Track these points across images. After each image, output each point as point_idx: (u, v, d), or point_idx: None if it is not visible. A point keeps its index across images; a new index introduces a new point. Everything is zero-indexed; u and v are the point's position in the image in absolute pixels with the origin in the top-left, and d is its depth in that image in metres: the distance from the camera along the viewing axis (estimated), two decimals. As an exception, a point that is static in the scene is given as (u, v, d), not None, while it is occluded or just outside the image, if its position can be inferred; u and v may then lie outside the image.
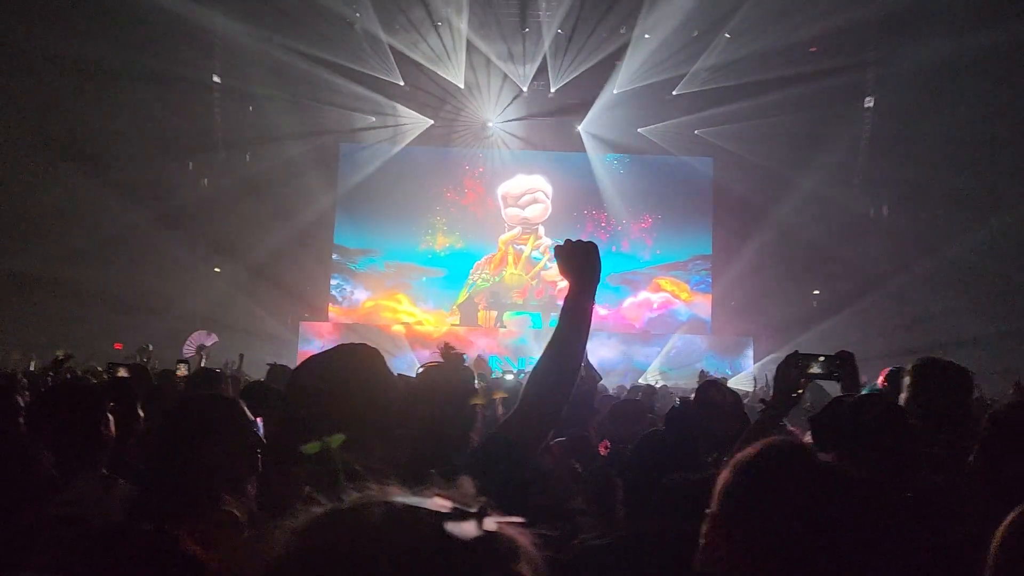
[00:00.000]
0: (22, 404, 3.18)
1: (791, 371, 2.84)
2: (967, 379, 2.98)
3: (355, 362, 1.76)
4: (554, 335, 1.85)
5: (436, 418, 1.87)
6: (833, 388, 3.04)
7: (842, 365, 2.85)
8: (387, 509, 0.69)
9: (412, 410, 1.76)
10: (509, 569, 0.68)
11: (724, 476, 1.41)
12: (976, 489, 2.11)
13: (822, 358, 2.85)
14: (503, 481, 1.63)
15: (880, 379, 3.93)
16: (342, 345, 1.86)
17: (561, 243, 1.94)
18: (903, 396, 2.94)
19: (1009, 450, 2.04)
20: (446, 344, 2.13)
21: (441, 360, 2.15)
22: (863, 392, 2.87)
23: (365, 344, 1.86)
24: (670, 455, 2.33)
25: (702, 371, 10.46)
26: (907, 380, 2.95)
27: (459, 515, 0.69)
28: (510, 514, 0.68)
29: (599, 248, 2.01)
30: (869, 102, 16.64)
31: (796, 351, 2.88)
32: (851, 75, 15.77)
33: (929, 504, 2.20)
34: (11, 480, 1.83)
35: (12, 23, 12.90)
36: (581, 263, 1.91)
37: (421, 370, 2.28)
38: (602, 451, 3.72)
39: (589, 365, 5.04)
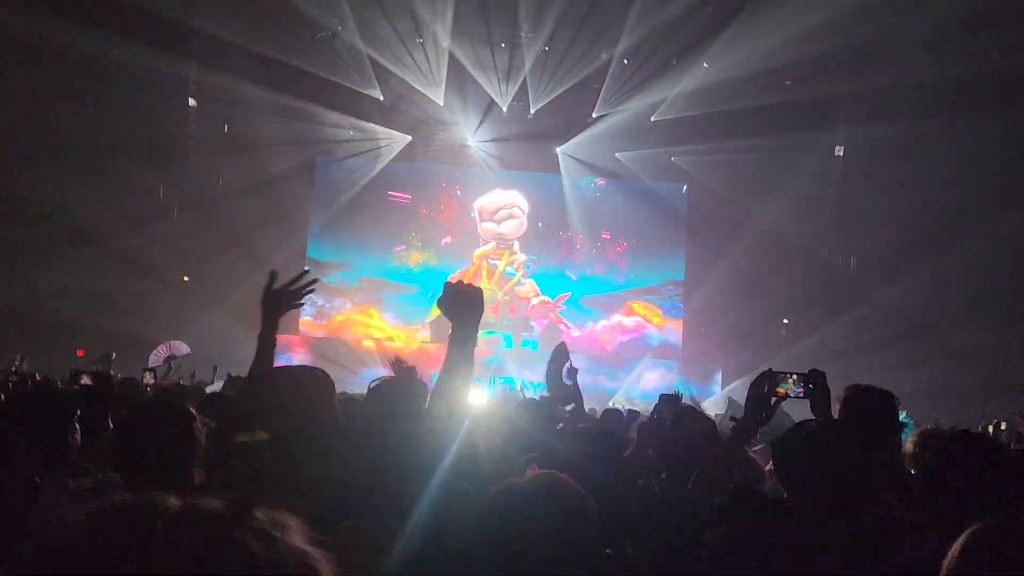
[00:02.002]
0: None
1: (763, 389, 2.83)
2: (891, 403, 2.98)
3: (304, 382, 1.97)
4: (444, 365, 2.06)
5: (378, 431, 2.03)
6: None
7: (814, 384, 2.85)
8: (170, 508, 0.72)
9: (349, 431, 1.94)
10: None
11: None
12: (921, 515, 2.16)
13: (794, 376, 2.86)
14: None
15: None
16: (300, 366, 2.15)
17: (450, 282, 2.14)
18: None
19: (953, 478, 2.12)
20: (396, 358, 2.24)
21: (392, 375, 2.22)
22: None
23: (317, 369, 2.12)
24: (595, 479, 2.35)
25: (693, 396, 10.42)
26: (837, 406, 2.96)
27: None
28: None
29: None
30: (839, 151, 17.01)
31: (770, 368, 2.88)
32: (823, 111, 16.03)
33: (879, 531, 2.22)
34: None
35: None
36: (462, 305, 2.10)
37: (374, 384, 2.31)
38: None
39: (575, 384, 5.01)
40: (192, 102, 16.70)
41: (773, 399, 2.88)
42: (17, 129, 14.47)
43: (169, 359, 10.51)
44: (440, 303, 2.11)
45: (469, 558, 1.65)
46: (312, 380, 2.01)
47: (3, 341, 12.19)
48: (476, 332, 2.09)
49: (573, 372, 4.48)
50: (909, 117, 14.29)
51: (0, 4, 12.81)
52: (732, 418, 3.26)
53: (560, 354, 4.83)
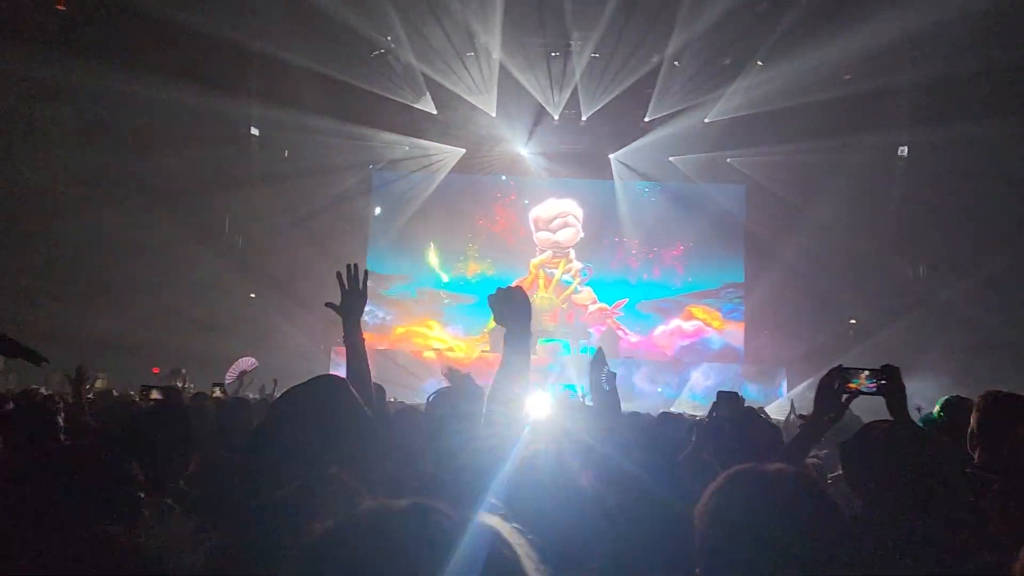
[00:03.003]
0: (61, 424, 3.26)
1: (833, 386, 2.76)
2: None
3: (320, 392, 1.96)
4: (500, 367, 2.09)
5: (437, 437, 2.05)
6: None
7: (888, 380, 2.75)
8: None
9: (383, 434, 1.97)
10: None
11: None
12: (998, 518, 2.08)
13: (866, 372, 2.77)
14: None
15: (936, 408, 3.76)
16: (316, 377, 2.11)
17: (493, 294, 2.16)
18: (970, 428, 2.79)
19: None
20: (450, 368, 2.27)
21: (448, 385, 2.26)
22: (919, 419, 2.78)
23: (333, 376, 2.14)
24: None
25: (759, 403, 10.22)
26: (974, 412, 2.79)
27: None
28: None
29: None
30: (903, 151, 16.51)
31: (840, 365, 2.80)
32: (884, 106, 15.57)
33: (956, 537, 2.14)
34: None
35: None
36: (511, 307, 2.13)
37: (432, 398, 2.40)
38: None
39: (614, 391, 4.99)
40: (255, 131, 17.23)
41: (844, 396, 2.79)
42: (104, 172, 15.18)
43: (242, 374, 10.81)
44: (492, 311, 2.13)
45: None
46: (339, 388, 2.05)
47: (92, 362, 12.69)
48: (528, 332, 2.11)
49: (611, 377, 4.47)
50: (973, 111, 13.75)
51: (76, 65, 13.43)
52: (800, 415, 3.16)
53: (598, 360, 4.84)
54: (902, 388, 2.76)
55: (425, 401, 2.35)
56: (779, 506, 1.39)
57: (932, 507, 2.17)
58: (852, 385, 2.75)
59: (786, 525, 1.37)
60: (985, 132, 13.86)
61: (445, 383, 2.21)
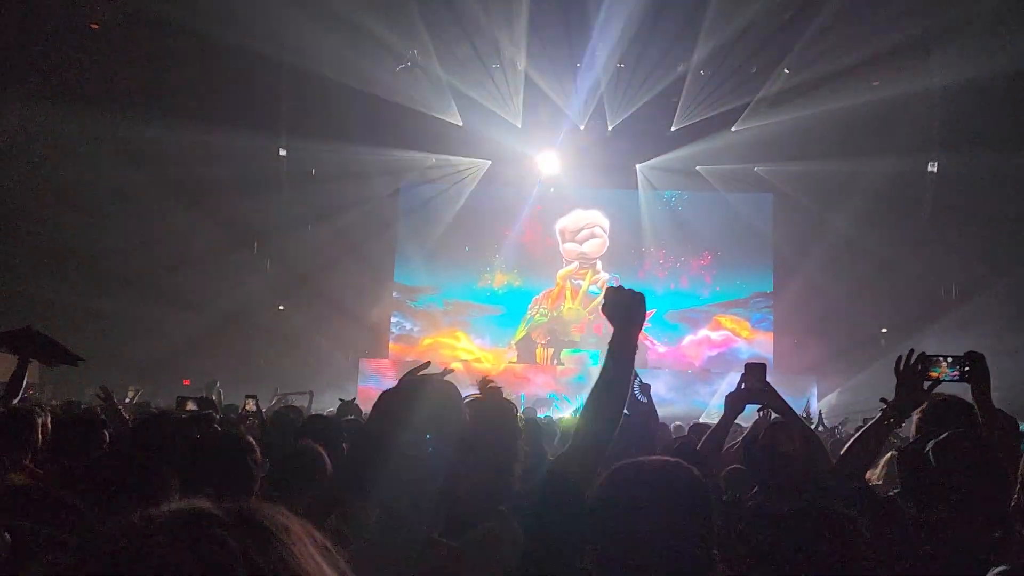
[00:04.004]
0: (107, 438, 3.35)
1: (916, 375, 2.71)
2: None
3: (432, 394, 1.90)
4: (600, 376, 1.97)
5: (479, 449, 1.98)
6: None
7: (972, 366, 2.69)
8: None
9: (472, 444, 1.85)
10: None
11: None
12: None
13: (949, 359, 2.72)
14: (563, 514, 1.78)
15: None
16: (424, 378, 2.01)
17: (613, 286, 2.05)
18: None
19: None
20: (483, 378, 2.20)
21: (480, 396, 2.21)
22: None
23: (443, 380, 2.02)
24: None
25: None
26: (917, 414, 2.84)
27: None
28: (570, 543, 0.71)
29: (647, 294, 2.13)
30: (933, 166, 16.33)
31: (923, 352, 2.73)
32: (913, 112, 15.36)
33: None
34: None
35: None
36: (626, 310, 2.01)
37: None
38: None
39: (651, 401, 4.96)
40: (283, 152, 17.50)
41: (927, 383, 2.73)
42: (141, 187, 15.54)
43: (284, 395, 10.95)
44: (604, 307, 2.05)
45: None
46: (448, 391, 1.97)
47: (125, 375, 12.91)
48: (635, 341, 2.01)
49: (646, 388, 4.43)
50: (1003, 117, 13.53)
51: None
52: (882, 400, 3.02)
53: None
54: (987, 375, 2.70)
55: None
56: (654, 494, 1.54)
57: (992, 522, 2.16)
58: (934, 374, 2.70)
59: (661, 512, 1.52)
60: (1017, 139, 13.66)
61: (473, 391, 2.17)
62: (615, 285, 2.05)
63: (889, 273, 16.48)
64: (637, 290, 2.05)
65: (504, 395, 2.38)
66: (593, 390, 1.97)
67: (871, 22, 13.65)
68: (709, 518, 1.57)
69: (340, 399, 7.07)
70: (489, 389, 2.20)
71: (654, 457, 1.67)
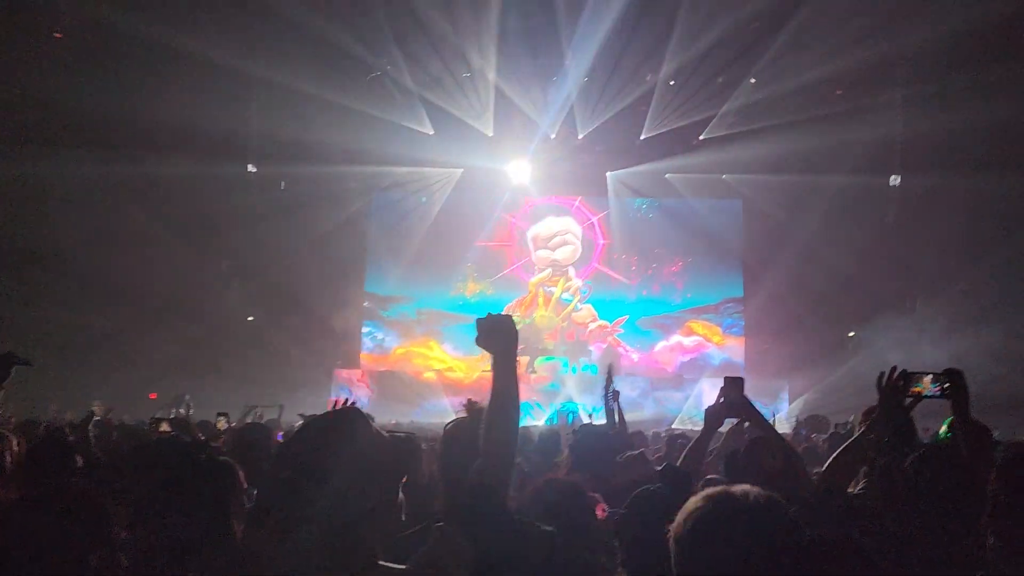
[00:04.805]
0: (80, 463, 3.28)
1: (898, 392, 2.75)
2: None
3: (338, 427, 1.87)
4: (490, 401, 2.03)
5: (457, 468, 2.00)
6: None
7: (952, 383, 2.74)
8: None
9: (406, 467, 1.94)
10: None
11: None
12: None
13: (930, 376, 2.75)
14: (491, 524, 1.87)
15: (943, 427, 3.75)
16: (329, 412, 2.03)
17: (482, 317, 2.09)
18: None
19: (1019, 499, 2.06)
20: (470, 401, 2.24)
21: (466, 415, 2.26)
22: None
23: (351, 409, 2.06)
24: (664, 512, 2.29)
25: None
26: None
27: None
28: (501, 552, 0.71)
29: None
30: (895, 180, 16.69)
31: (904, 370, 2.77)
32: (878, 116, 15.70)
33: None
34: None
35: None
36: (495, 336, 2.06)
37: (449, 426, 2.41)
38: (600, 514, 3.67)
39: (622, 420, 4.99)
40: (251, 167, 17.35)
41: (908, 399, 2.78)
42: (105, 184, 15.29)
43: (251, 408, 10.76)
44: (477, 340, 2.07)
45: None
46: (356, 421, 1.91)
47: (90, 389, 12.64)
48: (515, 360, 2.07)
49: (614, 395, 4.46)
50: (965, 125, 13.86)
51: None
52: (866, 413, 3.08)
53: (608, 379, 4.87)
54: (966, 391, 2.75)
55: (427, 424, 2.37)
56: (752, 533, 1.47)
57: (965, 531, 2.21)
58: (916, 389, 2.74)
59: (759, 552, 1.45)
60: (978, 155, 14.05)
61: (448, 402, 2.23)
62: (481, 317, 2.09)
63: (855, 279, 16.75)
64: (500, 312, 2.12)
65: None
66: (486, 415, 2.03)
67: (836, 38, 13.90)
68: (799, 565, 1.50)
69: (300, 414, 6.79)
70: (477, 411, 2.23)
71: (751, 491, 1.56)
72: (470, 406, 2.26)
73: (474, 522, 1.86)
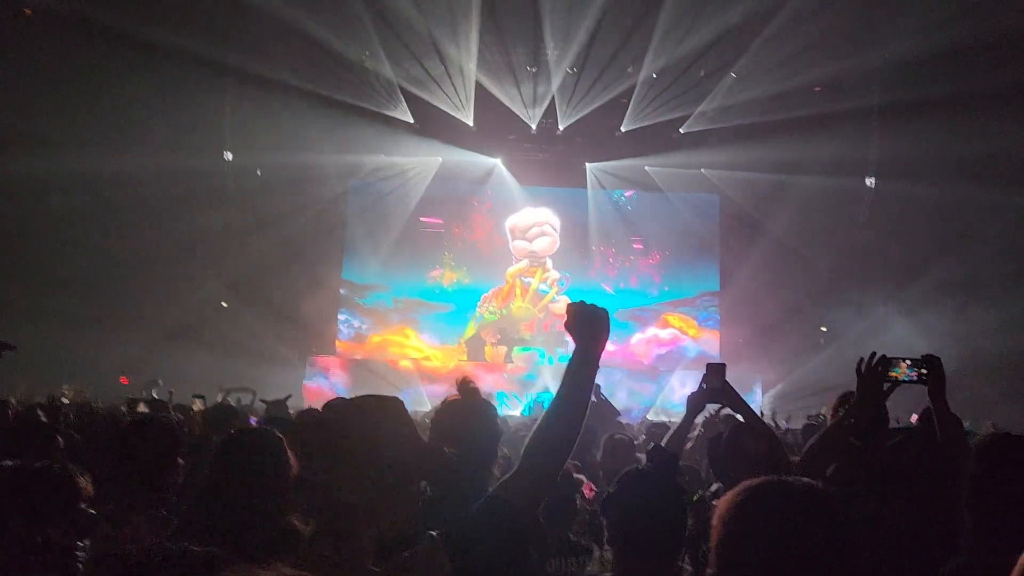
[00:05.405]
0: (62, 443, 3.26)
1: (878, 377, 2.77)
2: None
3: (378, 414, 1.67)
4: (556, 399, 1.81)
5: (454, 458, 1.82)
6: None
7: (929, 369, 2.75)
8: None
9: (430, 462, 1.67)
10: None
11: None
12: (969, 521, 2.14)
13: (908, 361, 2.78)
14: (502, 546, 1.67)
15: (914, 417, 3.81)
16: (367, 397, 1.73)
17: (575, 301, 1.91)
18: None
19: (997, 482, 2.08)
20: (463, 378, 2.12)
21: (458, 395, 2.17)
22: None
23: (390, 397, 1.75)
24: (651, 491, 2.28)
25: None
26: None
27: None
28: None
29: (598, 295, 2.06)
30: (871, 181, 16.89)
31: (883, 355, 2.79)
32: (856, 120, 15.86)
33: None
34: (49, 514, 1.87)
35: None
36: (589, 325, 1.88)
37: (441, 406, 2.30)
38: (587, 493, 3.69)
39: (606, 401, 5.02)
40: (228, 155, 17.14)
41: (886, 385, 2.80)
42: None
43: (228, 391, 10.71)
44: (567, 323, 1.90)
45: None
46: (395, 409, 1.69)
47: (59, 372, 12.45)
48: (597, 357, 1.85)
49: (596, 389, 4.47)
50: (940, 125, 14.04)
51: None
52: (843, 396, 3.08)
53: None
54: (943, 377, 2.77)
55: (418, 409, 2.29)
56: (805, 522, 1.41)
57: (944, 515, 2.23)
58: (893, 374, 2.76)
59: (808, 543, 1.40)
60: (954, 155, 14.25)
61: (423, 389, 2.14)
62: (578, 301, 1.92)
63: (828, 275, 16.95)
64: (600, 306, 1.91)
65: (485, 399, 2.33)
66: (548, 413, 1.79)
67: (817, 37, 14.01)
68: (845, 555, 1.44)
69: (262, 400, 6.51)
70: (468, 389, 2.17)
71: (798, 481, 1.50)
72: (463, 385, 2.17)
73: (469, 537, 1.65)
